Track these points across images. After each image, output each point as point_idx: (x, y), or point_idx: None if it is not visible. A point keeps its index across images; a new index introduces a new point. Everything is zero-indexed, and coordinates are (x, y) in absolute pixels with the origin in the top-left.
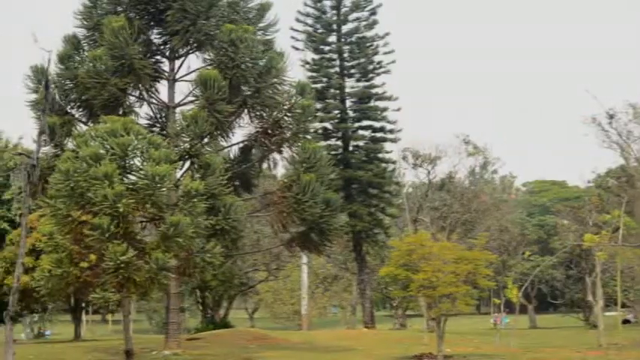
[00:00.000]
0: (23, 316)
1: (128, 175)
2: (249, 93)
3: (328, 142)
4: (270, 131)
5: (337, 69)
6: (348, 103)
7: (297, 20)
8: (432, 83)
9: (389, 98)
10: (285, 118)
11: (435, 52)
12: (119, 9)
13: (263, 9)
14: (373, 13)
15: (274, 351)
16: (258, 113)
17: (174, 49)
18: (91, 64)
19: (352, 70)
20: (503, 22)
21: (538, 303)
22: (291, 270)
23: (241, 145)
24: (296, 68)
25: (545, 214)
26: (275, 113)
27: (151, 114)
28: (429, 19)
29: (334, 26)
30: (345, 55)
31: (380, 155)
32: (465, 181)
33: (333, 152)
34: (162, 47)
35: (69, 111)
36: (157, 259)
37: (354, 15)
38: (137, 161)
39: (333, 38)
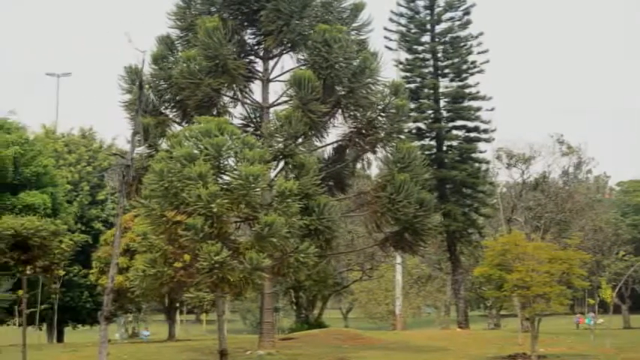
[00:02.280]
0: (117, 316)
1: (222, 175)
2: (343, 93)
3: (422, 142)
4: (364, 131)
5: (431, 69)
6: (441, 102)
7: (391, 20)
8: (526, 83)
9: (483, 98)
10: (379, 118)
11: (529, 52)
12: (213, 9)
13: (356, 9)
14: (467, 12)
15: (368, 351)
16: (352, 113)
17: (268, 50)
18: (184, 65)
19: (446, 70)
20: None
21: (632, 303)
22: (385, 270)
23: (335, 145)
24: (389, 68)
25: (639, 214)
26: (369, 113)
27: (245, 114)
28: (523, 19)
29: (428, 26)
30: (439, 54)
31: (474, 155)
32: (559, 181)
33: (426, 152)
34: (255, 47)
35: (163, 111)
36: (251, 259)
37: (448, 15)
38: (231, 161)
39: (426, 38)
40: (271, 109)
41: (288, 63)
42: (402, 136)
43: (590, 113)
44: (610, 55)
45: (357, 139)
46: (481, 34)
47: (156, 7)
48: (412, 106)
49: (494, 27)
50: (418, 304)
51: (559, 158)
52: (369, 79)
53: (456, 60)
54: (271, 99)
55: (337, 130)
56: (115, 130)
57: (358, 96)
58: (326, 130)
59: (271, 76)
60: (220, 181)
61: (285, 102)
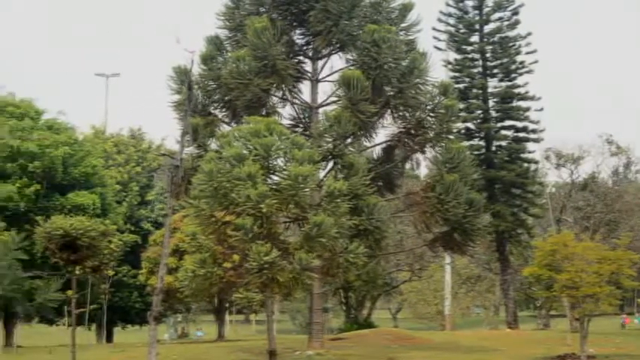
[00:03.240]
0: (166, 316)
1: (271, 175)
2: (392, 93)
3: (471, 142)
4: (413, 131)
5: (480, 69)
6: (490, 103)
7: (439, 20)
8: (575, 82)
9: (531, 98)
10: (428, 118)
11: (578, 51)
12: (262, 10)
13: (405, 9)
14: (515, 12)
15: (417, 351)
16: (401, 113)
17: (317, 50)
18: (234, 65)
19: (495, 70)
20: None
21: None
22: (434, 270)
23: (384, 145)
24: (438, 68)
25: None
26: (418, 113)
27: (294, 114)
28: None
29: (476, 26)
30: (488, 55)
31: (523, 155)
32: (608, 181)
33: (475, 152)
34: (304, 48)
35: (212, 111)
36: (300, 259)
37: (497, 15)
38: (280, 161)
39: (475, 38)
40: (320, 110)
41: (337, 63)
42: (451, 137)
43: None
44: None
45: (406, 140)
46: (529, 34)
47: (205, 7)
48: (461, 106)
49: (541, 26)
50: (467, 304)
51: (608, 158)
52: (418, 80)
53: (505, 60)
54: (320, 99)
55: (386, 130)
56: (164, 130)
57: (407, 96)
58: (375, 130)
59: (320, 77)
60: (269, 181)
61: (334, 102)
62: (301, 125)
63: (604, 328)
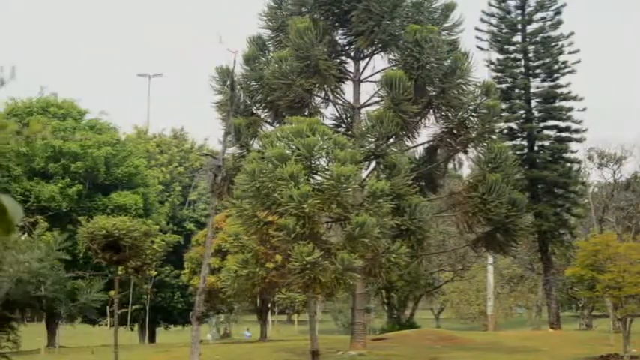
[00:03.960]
0: (209, 316)
1: (314, 175)
2: (434, 93)
3: (513, 142)
4: (455, 131)
5: (522, 69)
6: (533, 103)
7: (482, 20)
8: (616, 82)
9: (574, 98)
10: (471, 118)
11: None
12: (304, 10)
13: (447, 9)
14: (558, 12)
15: (460, 351)
16: (443, 113)
17: (360, 50)
18: (276, 65)
19: (537, 70)
20: None
21: None
22: (476, 270)
23: (427, 145)
24: (481, 68)
25: None
26: (460, 113)
27: (337, 114)
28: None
29: (519, 26)
30: (530, 55)
31: (565, 155)
32: None
33: (518, 152)
34: (347, 48)
35: (254, 112)
36: (342, 260)
37: (539, 15)
38: (323, 162)
39: (517, 38)
40: (363, 110)
41: (379, 63)
42: (494, 137)
43: None
44: None
45: (448, 140)
46: (572, 33)
47: (247, 7)
48: (503, 106)
49: (583, 24)
50: (510, 304)
51: None
52: (461, 80)
53: (547, 60)
54: (363, 99)
55: (428, 130)
56: (207, 130)
57: (450, 96)
58: (417, 130)
59: (362, 77)
60: (312, 181)
61: (377, 102)
62: (344, 125)
63: None
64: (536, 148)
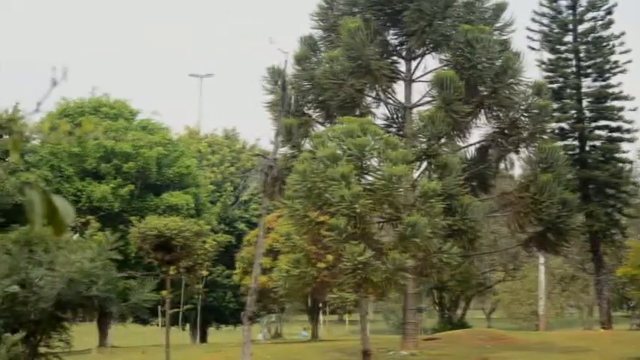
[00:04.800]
0: (260, 316)
1: (365, 175)
2: (485, 93)
3: (565, 142)
4: (507, 131)
5: (573, 69)
6: (584, 103)
7: (533, 20)
8: None
9: (625, 98)
10: (522, 118)
11: None
12: (355, 10)
13: (499, 9)
14: (609, 12)
15: (511, 351)
16: (494, 113)
17: (411, 50)
18: (327, 65)
19: (588, 70)
20: None
21: None
22: (528, 270)
23: (478, 145)
24: (532, 68)
25: None
26: (512, 113)
27: (388, 114)
28: None
29: (570, 26)
30: (582, 54)
31: (617, 155)
32: None
33: (569, 152)
34: (398, 48)
35: (306, 112)
36: (394, 260)
37: (590, 15)
38: (374, 162)
39: (569, 38)
40: (414, 110)
41: (430, 63)
42: (545, 137)
43: None
44: None
45: (500, 140)
46: (623, 33)
47: (298, 7)
48: (555, 106)
49: (633, 27)
50: (561, 304)
51: None
52: (512, 80)
53: (599, 60)
54: (414, 99)
55: (480, 130)
56: (258, 130)
57: (501, 96)
58: (469, 130)
59: (414, 77)
60: (363, 181)
61: (428, 102)
62: (395, 125)
63: None
64: (587, 148)
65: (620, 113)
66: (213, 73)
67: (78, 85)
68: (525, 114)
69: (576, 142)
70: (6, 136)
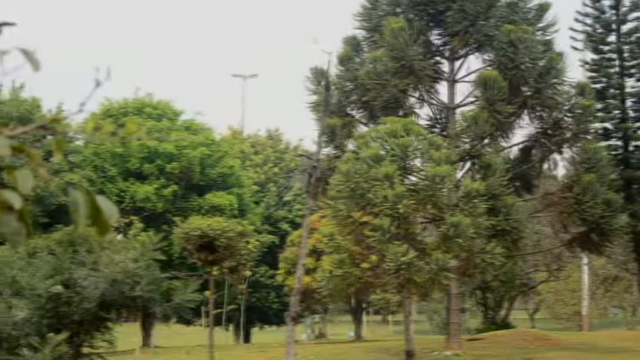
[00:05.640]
0: (304, 316)
1: (408, 175)
2: (528, 94)
3: (608, 143)
4: (550, 132)
5: (617, 69)
6: (628, 102)
7: (576, 20)
8: None
9: None
10: (566, 118)
11: None
12: (398, 10)
13: (542, 9)
14: None
15: (555, 352)
16: (538, 114)
17: (454, 50)
18: (371, 66)
19: (632, 70)
20: None
21: None
22: (572, 270)
23: (521, 145)
24: (575, 68)
25: None
26: (555, 114)
27: (431, 115)
28: None
29: (613, 26)
30: (625, 54)
31: None
32: None
33: (613, 152)
34: (441, 48)
35: (349, 112)
36: (437, 260)
37: (634, 14)
38: (417, 162)
39: (612, 38)
40: (457, 110)
41: (473, 63)
42: (589, 137)
43: None
44: None
45: (543, 140)
46: None
47: (342, 8)
48: (598, 106)
49: None
50: (605, 304)
51: None
52: (555, 80)
53: None
54: (457, 99)
55: (523, 130)
56: (301, 131)
57: (544, 97)
58: (512, 130)
59: (457, 77)
60: (406, 181)
61: (472, 103)
62: (438, 126)
63: None
64: (631, 148)
65: None
66: (257, 74)
67: (121, 85)
68: (569, 114)
69: (620, 142)
70: (50, 137)
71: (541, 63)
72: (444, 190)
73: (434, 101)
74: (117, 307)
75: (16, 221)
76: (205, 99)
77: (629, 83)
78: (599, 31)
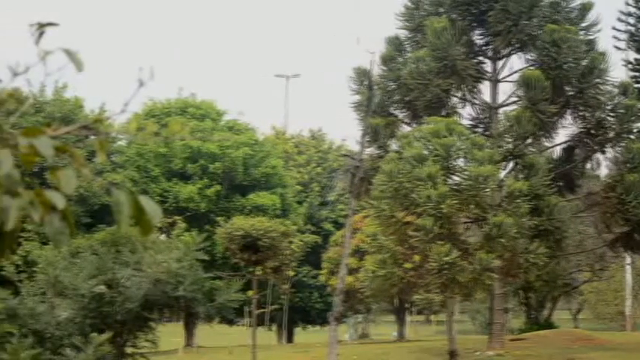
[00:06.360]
0: (347, 316)
1: (451, 175)
2: (571, 93)
3: None
4: (593, 131)
5: None
6: None
7: (619, 20)
8: None
9: None
10: (608, 118)
11: None
12: (441, 10)
13: (584, 9)
14: None
15: (598, 352)
16: (580, 114)
17: (497, 50)
18: (413, 65)
19: None
20: None
21: None
22: (615, 270)
23: (564, 145)
24: (618, 68)
25: None
26: (598, 113)
27: (474, 115)
28: None
29: None
30: None
31: None
32: None
33: None
34: (484, 48)
35: (392, 112)
36: (480, 260)
37: None
38: (460, 162)
39: None
40: (500, 110)
41: (516, 63)
42: (632, 136)
43: None
44: None
45: (586, 140)
46: None
47: (384, 8)
48: None
49: None
50: None
51: None
52: (598, 80)
53: None
54: (500, 99)
55: (566, 130)
56: (344, 131)
57: (587, 96)
58: (555, 130)
59: (500, 77)
60: (450, 181)
61: (514, 102)
62: (481, 125)
63: None
64: None
65: None
66: (299, 74)
67: (165, 85)
68: (612, 114)
69: None
70: (92, 137)
71: (584, 63)
72: (487, 190)
73: (476, 101)
74: (160, 307)
75: (59, 221)
76: (248, 99)
77: None
78: None
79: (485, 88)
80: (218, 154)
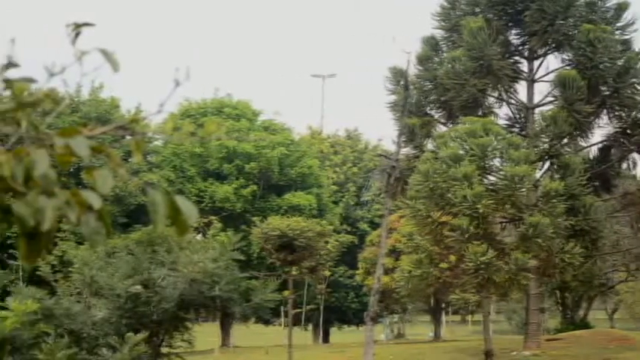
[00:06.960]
0: (383, 316)
1: (487, 175)
2: (607, 93)
3: None
4: (629, 131)
5: None
6: None
7: None
8: None
9: None
10: None
11: None
12: (477, 10)
13: (620, 9)
14: None
15: (634, 352)
16: (616, 113)
17: (533, 50)
18: (449, 65)
19: None
20: None
21: None
22: None
23: (600, 145)
24: None
25: None
26: (634, 113)
27: (510, 114)
28: None
29: None
30: None
31: None
32: None
33: None
34: (520, 48)
35: (428, 112)
36: (516, 260)
37: None
38: (496, 162)
39: None
40: (536, 110)
41: (552, 63)
42: None
43: None
44: None
45: (622, 139)
46: None
47: (420, 8)
48: None
49: None
50: None
51: None
52: (634, 79)
53: None
54: (536, 99)
55: (602, 130)
56: (380, 131)
57: (623, 96)
58: (591, 130)
59: (536, 77)
60: (485, 181)
61: (550, 102)
62: (517, 125)
63: None
64: None
65: None
66: (335, 74)
67: (201, 85)
68: None
69: None
70: (129, 137)
71: (620, 62)
72: (523, 189)
73: (513, 101)
74: (196, 307)
75: (95, 221)
76: (284, 99)
77: None
78: None
79: (521, 88)
80: (254, 154)
